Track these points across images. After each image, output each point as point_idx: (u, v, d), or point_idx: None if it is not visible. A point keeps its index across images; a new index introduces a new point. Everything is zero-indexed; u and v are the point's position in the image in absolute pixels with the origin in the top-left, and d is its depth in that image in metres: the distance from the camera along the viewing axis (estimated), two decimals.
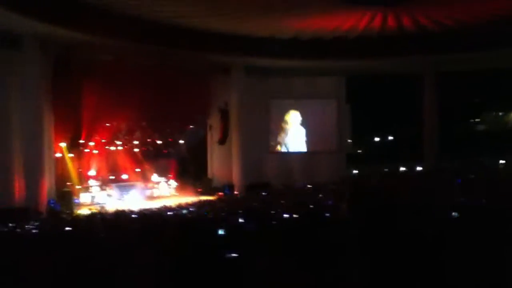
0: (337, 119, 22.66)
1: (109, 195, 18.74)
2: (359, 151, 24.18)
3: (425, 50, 18.78)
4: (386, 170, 20.35)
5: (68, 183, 17.56)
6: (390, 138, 24.27)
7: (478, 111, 23.79)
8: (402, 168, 20.13)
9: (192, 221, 7.36)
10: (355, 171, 22.27)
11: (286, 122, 22.59)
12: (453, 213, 5.77)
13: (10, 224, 11.41)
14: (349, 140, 23.17)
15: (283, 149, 22.70)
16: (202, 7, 15.10)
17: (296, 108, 22.68)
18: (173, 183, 20.99)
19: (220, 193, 20.02)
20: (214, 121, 21.36)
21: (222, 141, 21.05)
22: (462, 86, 19.97)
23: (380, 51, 18.72)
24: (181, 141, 21.63)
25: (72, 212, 15.90)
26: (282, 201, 11.91)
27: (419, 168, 20.11)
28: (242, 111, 20.91)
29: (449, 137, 21.31)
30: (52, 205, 15.81)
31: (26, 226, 10.79)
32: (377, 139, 24.19)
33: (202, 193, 20.23)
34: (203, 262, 3.25)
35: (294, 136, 22.63)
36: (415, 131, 21.90)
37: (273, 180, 21.32)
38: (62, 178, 17.44)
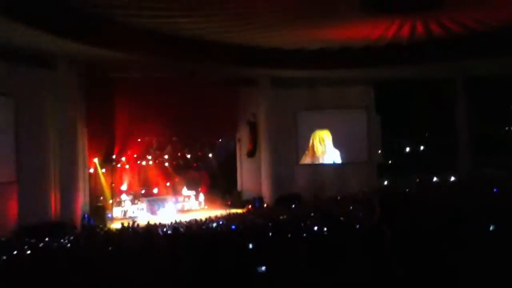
0: (366, 129, 22.37)
1: (141, 209, 19.03)
2: (389, 161, 23.69)
3: (455, 56, 18.31)
4: (418, 180, 19.82)
5: (101, 198, 17.94)
6: (422, 147, 23.67)
7: None
8: (434, 178, 19.55)
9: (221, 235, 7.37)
10: (385, 182, 21.83)
11: (318, 143, 22.47)
12: (491, 227, 5.54)
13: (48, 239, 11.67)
14: (379, 151, 22.76)
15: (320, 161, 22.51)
16: (231, 22, 15.28)
17: (324, 121, 22.50)
18: (203, 196, 21.13)
19: (250, 206, 20.00)
20: (243, 134, 21.45)
21: (251, 153, 21.08)
22: (495, 91, 19.34)
23: (409, 59, 18.37)
24: (210, 155, 21.79)
25: (105, 226, 16.22)
26: (311, 214, 11.76)
27: (452, 178, 19.49)
28: (270, 123, 20.91)
29: (483, 144, 20.60)
30: (87, 219, 16.18)
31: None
32: (408, 149, 23.65)
33: (232, 206, 20.28)
34: (232, 276, 3.25)
35: (327, 155, 22.47)
36: (448, 140, 21.31)
37: (303, 192, 21.13)
38: (95, 193, 17.86)
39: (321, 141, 22.32)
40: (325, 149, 22.32)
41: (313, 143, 22.38)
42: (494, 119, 21.06)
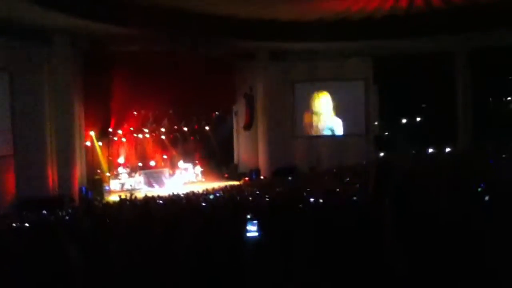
0: (364, 101, 22.32)
1: (139, 182, 19.13)
2: (386, 133, 23.71)
3: (455, 27, 18.09)
4: (414, 152, 19.88)
5: (98, 171, 18.00)
6: (419, 119, 23.63)
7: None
8: (430, 150, 19.59)
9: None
10: (382, 154, 21.89)
11: (316, 107, 22.36)
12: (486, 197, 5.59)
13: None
14: (375, 123, 22.76)
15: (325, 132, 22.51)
16: None
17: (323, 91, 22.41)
18: (200, 169, 21.22)
19: (246, 178, 20.13)
20: (240, 107, 21.38)
21: (248, 126, 21.06)
22: (496, 63, 19.16)
23: (408, 30, 18.15)
24: (207, 128, 21.75)
25: (103, 199, 16.33)
26: (308, 187, 11.84)
27: (448, 150, 19.55)
28: (267, 96, 20.85)
29: (482, 117, 20.58)
30: (84, 192, 16.27)
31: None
32: (405, 121, 23.60)
33: (229, 179, 20.42)
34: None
35: (327, 120, 22.42)
36: (447, 112, 21.26)
37: (300, 164, 21.26)
38: (92, 166, 17.90)
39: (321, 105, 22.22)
40: (325, 112, 22.24)
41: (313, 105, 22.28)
42: (494, 92, 20.97)
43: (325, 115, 22.44)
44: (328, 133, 22.46)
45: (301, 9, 16.90)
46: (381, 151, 21.46)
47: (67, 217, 10.39)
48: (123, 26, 14.91)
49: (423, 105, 22.93)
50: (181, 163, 20.98)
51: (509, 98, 22.16)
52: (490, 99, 21.69)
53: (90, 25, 14.42)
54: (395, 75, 20.59)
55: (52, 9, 12.81)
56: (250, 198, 10.72)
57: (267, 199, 9.37)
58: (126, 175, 19.09)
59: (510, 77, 21.30)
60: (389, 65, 20.79)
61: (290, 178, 16.86)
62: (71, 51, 15.77)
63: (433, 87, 20.69)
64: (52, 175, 15.66)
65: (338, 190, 9.50)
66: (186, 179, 20.60)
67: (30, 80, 15.01)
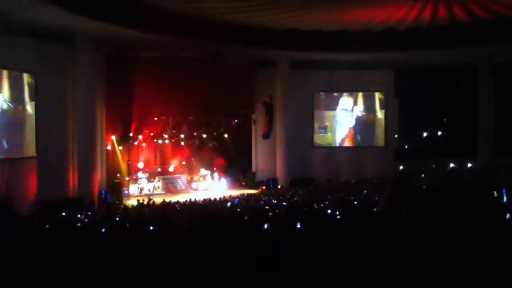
0: (385, 113, 22.17)
1: (158, 187, 19.32)
2: (406, 146, 23.47)
3: (479, 40, 17.85)
4: (434, 166, 19.61)
5: (118, 175, 18.22)
6: (440, 133, 23.35)
7: None
8: (451, 165, 19.30)
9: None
10: (401, 167, 21.69)
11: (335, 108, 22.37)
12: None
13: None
14: (396, 135, 22.56)
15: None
16: (253, 2, 15.16)
17: (341, 103, 22.39)
18: (218, 176, 21.28)
19: (263, 187, 20.12)
20: (259, 115, 21.43)
21: (266, 135, 21.07)
22: None
23: (430, 43, 17.99)
24: (226, 135, 21.85)
25: (121, 202, 16.52)
26: (328, 197, 11.79)
27: (469, 165, 19.22)
28: (286, 105, 20.86)
29: (504, 132, 20.19)
30: (103, 195, 16.49)
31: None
32: (425, 134, 23.35)
33: (246, 187, 20.43)
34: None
35: (342, 123, 22.35)
36: (468, 127, 20.93)
37: (317, 175, 21.17)
38: (112, 170, 18.15)
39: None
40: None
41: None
42: None
43: (344, 126, 22.37)
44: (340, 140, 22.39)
45: (324, 19, 16.93)
46: (400, 164, 21.26)
47: (86, 220, 10.56)
48: (147, 32, 15.13)
49: (444, 119, 22.66)
50: (200, 170, 21.12)
51: None
52: None
53: (114, 30, 14.67)
54: (416, 88, 20.42)
55: (77, 13, 13.07)
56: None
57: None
58: (145, 180, 19.28)
59: None
60: (411, 78, 20.64)
61: (307, 188, 16.78)
62: (94, 55, 16.08)
63: (454, 100, 20.44)
64: (73, 178, 15.95)
65: (356, 202, 9.43)
66: (204, 186, 20.62)
67: (54, 83, 15.36)
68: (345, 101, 22.39)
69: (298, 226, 5.08)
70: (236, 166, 21.96)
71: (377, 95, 22.22)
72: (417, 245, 2.57)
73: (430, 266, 2.30)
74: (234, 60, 19.17)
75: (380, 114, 22.26)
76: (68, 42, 15.46)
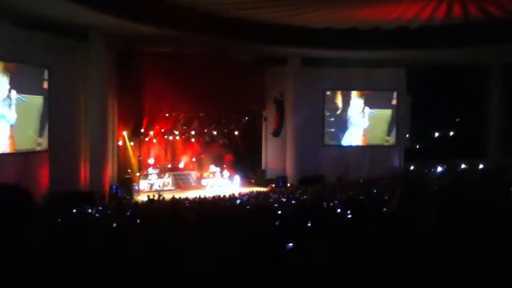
0: (396, 112, 22.03)
1: (168, 183, 19.43)
2: (417, 146, 23.31)
3: (493, 40, 17.64)
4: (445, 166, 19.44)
5: (128, 170, 18.37)
6: (451, 133, 23.16)
7: None
8: (462, 166, 19.12)
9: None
10: (412, 167, 21.53)
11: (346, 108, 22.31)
12: None
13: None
14: (407, 135, 22.41)
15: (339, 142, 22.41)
16: None
17: (353, 101, 22.31)
18: (227, 173, 21.34)
19: (273, 185, 20.12)
20: (269, 113, 21.42)
21: (277, 132, 21.06)
22: None
23: (444, 41, 17.82)
24: (236, 132, 21.88)
25: (132, 198, 16.66)
26: (337, 196, 11.78)
27: (481, 166, 19.03)
28: (297, 102, 20.82)
29: None
30: (114, 190, 16.63)
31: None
32: (437, 133, 23.17)
33: (255, 184, 20.46)
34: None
35: (354, 123, 22.30)
36: (479, 126, 20.73)
37: (327, 173, 21.12)
38: (123, 165, 18.30)
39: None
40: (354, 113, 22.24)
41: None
42: None
43: (356, 123, 22.29)
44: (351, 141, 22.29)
45: (336, 16, 16.84)
46: (411, 164, 21.13)
47: (97, 215, 10.67)
48: (158, 26, 15.19)
49: (456, 119, 22.48)
50: (210, 166, 21.19)
51: None
52: None
53: (125, 24, 14.71)
54: (428, 86, 20.26)
55: (90, 7, 13.16)
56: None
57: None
58: (156, 176, 19.41)
59: None
60: (423, 76, 20.47)
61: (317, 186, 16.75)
62: (106, 50, 16.17)
63: (466, 100, 20.24)
64: (84, 172, 16.10)
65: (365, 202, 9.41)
66: (214, 182, 20.70)
67: (67, 76, 15.48)
68: (356, 101, 22.27)
69: (308, 224, 5.09)
70: (246, 163, 21.98)
71: (389, 94, 22.08)
72: (426, 244, 2.59)
73: (437, 265, 2.32)
74: (244, 56, 19.17)
75: (391, 113, 22.10)
76: (81, 36, 15.56)
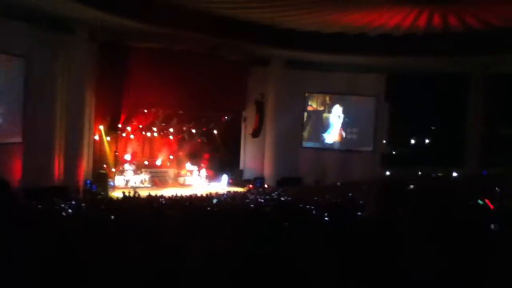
0: (374, 118, 22.30)
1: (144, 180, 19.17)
2: (393, 152, 23.66)
3: (473, 50, 18.05)
4: (420, 173, 19.81)
5: (104, 166, 18.04)
6: (428, 140, 23.61)
7: None
8: (439, 174, 19.50)
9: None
10: (388, 173, 21.85)
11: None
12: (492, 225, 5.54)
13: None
14: (384, 141, 22.72)
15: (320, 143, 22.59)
16: None
17: (333, 105, 22.54)
18: (205, 172, 21.20)
19: (251, 186, 20.09)
20: (249, 113, 21.37)
21: (256, 133, 21.02)
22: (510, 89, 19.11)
23: (425, 50, 18.15)
24: (215, 131, 21.76)
25: (107, 193, 16.35)
26: (315, 198, 11.83)
27: (455, 174, 19.47)
28: (278, 104, 20.86)
29: (491, 143, 20.48)
30: (89, 186, 16.31)
31: None
32: (414, 141, 23.59)
33: (233, 184, 20.38)
34: None
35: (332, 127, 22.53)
36: (456, 135, 21.18)
37: (305, 176, 21.22)
38: (99, 160, 17.95)
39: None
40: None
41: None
42: (507, 118, 20.92)
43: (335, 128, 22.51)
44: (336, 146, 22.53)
45: (322, 20, 16.97)
46: (387, 170, 21.43)
47: (70, 210, 10.42)
48: (142, 22, 15.00)
49: (433, 127, 22.91)
50: (187, 165, 21.01)
51: None
52: (503, 126, 21.62)
53: (109, 18, 14.49)
54: (407, 94, 20.58)
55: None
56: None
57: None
58: (132, 172, 19.12)
59: None
60: (402, 84, 20.79)
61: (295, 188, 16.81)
62: (88, 43, 15.84)
63: (444, 108, 20.65)
64: (58, 166, 15.71)
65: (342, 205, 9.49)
66: (190, 181, 20.54)
67: (45, 68, 15.05)
68: (336, 104, 22.50)
69: (288, 224, 5.08)
70: (224, 163, 21.88)
71: (369, 99, 22.36)
72: (404, 246, 2.60)
73: (415, 264, 2.34)
74: (229, 56, 19.09)
75: (369, 118, 22.37)
76: (62, 28, 15.18)
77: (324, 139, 22.65)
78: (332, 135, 22.61)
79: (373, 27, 17.31)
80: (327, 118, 22.58)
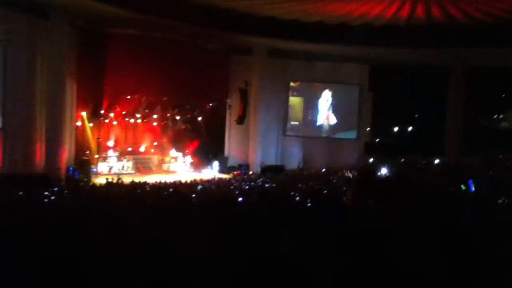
0: (358, 106, 22.51)
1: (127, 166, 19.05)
2: (377, 140, 23.95)
3: (454, 43, 18.27)
4: (402, 160, 20.14)
5: (86, 152, 17.85)
6: (410, 129, 23.98)
7: (503, 108, 23.29)
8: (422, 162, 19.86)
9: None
10: (371, 160, 22.12)
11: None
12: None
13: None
14: (367, 129, 22.97)
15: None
16: None
17: (316, 94, 22.64)
18: (189, 159, 21.19)
19: (236, 172, 20.15)
20: (234, 101, 21.35)
21: (240, 120, 21.04)
22: (491, 81, 19.48)
23: (407, 41, 18.28)
24: (200, 118, 21.69)
25: (90, 180, 16.22)
26: (299, 185, 11.94)
27: (436, 161, 19.88)
28: (262, 92, 20.89)
29: (472, 132, 20.94)
30: (71, 172, 16.15)
31: None
32: (397, 130, 23.91)
33: (218, 171, 20.43)
34: None
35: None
36: (437, 125, 21.57)
37: (289, 163, 21.39)
38: (81, 146, 17.75)
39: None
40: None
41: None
42: (487, 110, 21.35)
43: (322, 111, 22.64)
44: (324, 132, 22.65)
45: (304, 9, 16.93)
46: (370, 157, 21.71)
47: (53, 197, 10.31)
48: (123, 8, 14.77)
49: (416, 115, 23.25)
50: (172, 152, 20.95)
51: (500, 116, 22.57)
52: (481, 116, 22.07)
53: (90, 3, 14.26)
54: (390, 83, 20.80)
55: None
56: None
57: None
58: (115, 159, 18.98)
59: (503, 95, 21.67)
60: (386, 73, 20.99)
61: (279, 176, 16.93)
62: (68, 29, 15.56)
63: (426, 99, 20.95)
64: (40, 153, 15.49)
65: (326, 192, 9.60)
66: (175, 168, 20.53)
67: (24, 54, 14.76)
68: (326, 92, 22.62)
69: (270, 212, 5.13)
70: (208, 150, 21.87)
71: (352, 88, 22.52)
72: (382, 232, 2.67)
73: (395, 251, 2.41)
74: (210, 44, 19.01)
75: (353, 107, 22.57)
76: (41, 14, 14.88)
77: (312, 121, 22.74)
78: (320, 118, 22.73)
79: (354, 17, 17.33)
80: (316, 100, 22.68)
